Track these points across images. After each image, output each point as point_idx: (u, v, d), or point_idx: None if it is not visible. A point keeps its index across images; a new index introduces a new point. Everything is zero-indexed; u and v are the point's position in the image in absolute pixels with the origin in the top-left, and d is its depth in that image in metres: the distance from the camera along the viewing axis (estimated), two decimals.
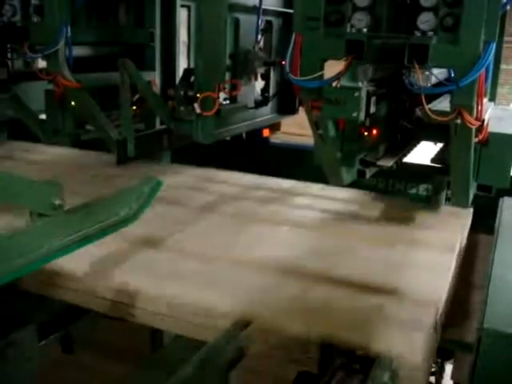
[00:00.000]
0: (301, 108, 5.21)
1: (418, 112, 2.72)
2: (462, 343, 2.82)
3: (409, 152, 3.66)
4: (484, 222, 3.47)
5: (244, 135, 5.88)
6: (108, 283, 2.53)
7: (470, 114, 2.55)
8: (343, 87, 2.67)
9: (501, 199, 3.42)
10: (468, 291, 3.11)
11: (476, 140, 2.90)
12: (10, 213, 2.66)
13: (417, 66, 2.47)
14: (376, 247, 2.92)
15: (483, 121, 2.74)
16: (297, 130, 8.28)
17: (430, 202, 3.70)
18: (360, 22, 2.57)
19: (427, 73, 2.57)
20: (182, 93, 4.05)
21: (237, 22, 4.63)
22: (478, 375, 2.01)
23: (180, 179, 3.99)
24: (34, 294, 2.74)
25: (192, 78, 4.09)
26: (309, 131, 3.16)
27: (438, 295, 2.42)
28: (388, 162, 3.28)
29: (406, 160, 3.60)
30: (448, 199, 3.69)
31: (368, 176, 3.32)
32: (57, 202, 2.03)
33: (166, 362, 2.99)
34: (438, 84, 2.64)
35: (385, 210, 3.51)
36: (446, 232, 3.14)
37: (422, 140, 3.78)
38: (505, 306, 2.14)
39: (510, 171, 3.24)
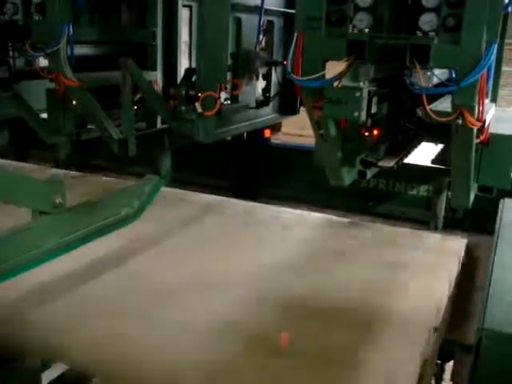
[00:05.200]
0: (302, 108, 5.21)
1: (420, 112, 2.72)
2: (462, 344, 2.83)
3: (410, 153, 3.66)
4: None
5: (245, 135, 5.88)
6: None
7: (472, 114, 2.54)
8: (345, 87, 2.67)
9: (501, 200, 3.42)
10: (468, 292, 3.11)
11: (477, 141, 2.90)
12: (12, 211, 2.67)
13: (418, 66, 2.47)
14: None
15: (484, 121, 2.73)
16: (297, 130, 8.29)
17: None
18: (362, 22, 2.58)
19: (429, 73, 2.57)
20: (183, 92, 4.05)
21: (239, 22, 4.63)
22: (477, 376, 2.01)
23: None
24: None
25: (193, 78, 4.09)
26: (309, 132, 3.16)
27: None
28: (389, 163, 3.28)
29: (406, 161, 3.60)
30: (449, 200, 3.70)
31: (369, 177, 3.33)
32: (58, 201, 2.03)
33: None
34: (440, 84, 2.64)
35: None
36: None
37: (422, 141, 3.78)
38: (504, 307, 2.14)
39: (510, 172, 3.24)
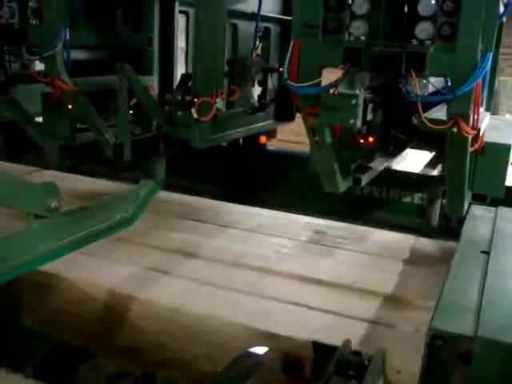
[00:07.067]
0: (297, 115, 5.22)
1: (415, 120, 2.73)
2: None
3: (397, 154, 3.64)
4: None
5: (241, 141, 5.89)
6: None
7: (467, 122, 2.55)
8: (341, 94, 2.68)
9: (495, 209, 3.43)
10: None
11: (472, 149, 2.91)
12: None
13: (414, 74, 2.48)
14: None
15: (479, 130, 2.75)
16: (293, 137, 8.30)
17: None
18: (358, 29, 2.59)
19: (424, 81, 2.58)
20: (179, 98, 4.05)
21: (235, 28, 4.65)
22: None
23: None
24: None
25: (190, 83, 4.10)
26: (304, 139, 3.16)
27: None
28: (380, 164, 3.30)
29: (400, 168, 3.61)
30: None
31: (363, 183, 3.33)
32: (53, 205, 2.02)
33: None
34: (435, 92, 2.65)
35: None
36: None
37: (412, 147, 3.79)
38: (498, 315, 2.15)
39: (504, 181, 3.25)
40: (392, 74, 2.80)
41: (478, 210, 3.34)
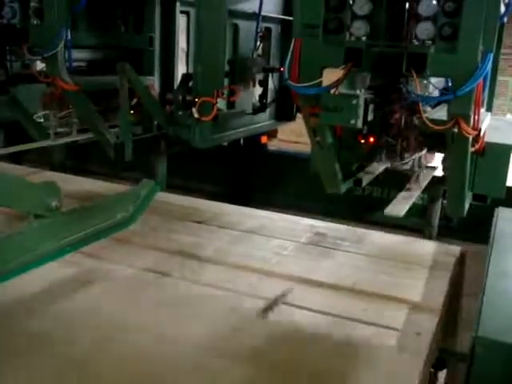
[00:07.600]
0: (298, 115, 5.22)
1: (416, 120, 2.72)
2: (455, 352, 2.83)
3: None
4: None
5: (242, 141, 5.90)
6: None
7: (467, 123, 2.55)
8: (341, 94, 2.68)
9: (496, 209, 3.43)
10: (460, 301, 3.11)
11: (472, 150, 2.91)
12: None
13: (415, 74, 2.48)
14: None
15: (480, 130, 2.74)
16: (293, 137, 8.28)
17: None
18: (359, 30, 2.59)
19: (425, 81, 2.58)
20: (180, 97, 4.06)
21: (236, 28, 4.65)
22: None
23: None
24: None
25: (190, 83, 4.10)
26: (305, 139, 3.16)
27: None
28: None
29: (401, 169, 3.60)
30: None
31: (364, 184, 3.33)
32: (54, 204, 2.02)
33: None
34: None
35: None
36: None
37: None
38: (499, 315, 2.14)
39: (505, 181, 3.25)
40: (390, 75, 2.80)
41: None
